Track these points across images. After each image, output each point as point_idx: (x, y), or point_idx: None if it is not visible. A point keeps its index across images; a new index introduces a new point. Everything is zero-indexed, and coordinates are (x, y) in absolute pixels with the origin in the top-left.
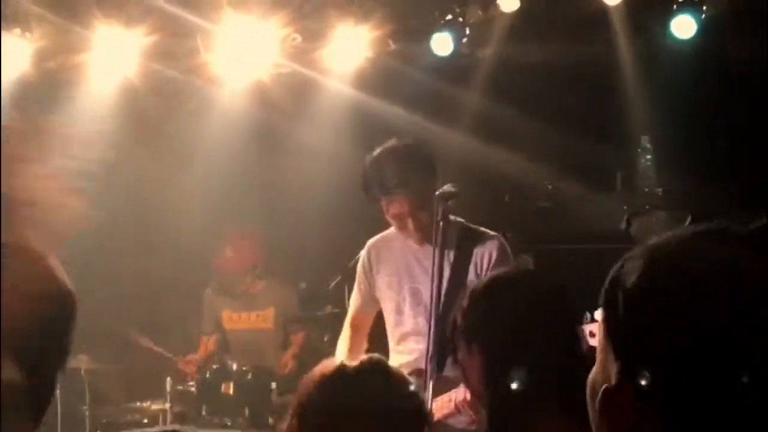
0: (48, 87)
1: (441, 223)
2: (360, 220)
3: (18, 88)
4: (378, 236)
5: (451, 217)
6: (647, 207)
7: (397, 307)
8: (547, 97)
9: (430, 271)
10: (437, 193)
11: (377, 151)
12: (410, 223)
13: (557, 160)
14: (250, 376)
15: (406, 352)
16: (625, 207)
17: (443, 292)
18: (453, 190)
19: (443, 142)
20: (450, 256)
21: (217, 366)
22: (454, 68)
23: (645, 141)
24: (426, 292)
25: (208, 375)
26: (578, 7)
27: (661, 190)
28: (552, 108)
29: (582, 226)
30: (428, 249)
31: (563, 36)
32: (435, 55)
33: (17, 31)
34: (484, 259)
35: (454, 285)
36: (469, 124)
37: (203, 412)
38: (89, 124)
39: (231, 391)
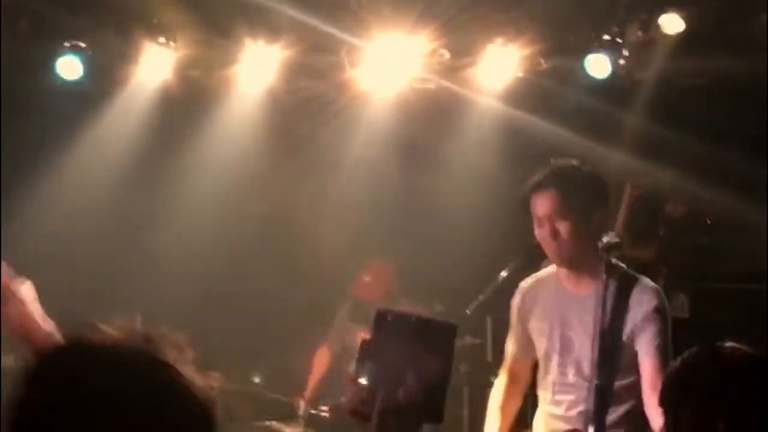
0: (191, 99)
1: (605, 277)
2: (505, 244)
3: (160, 97)
4: (532, 277)
5: (613, 260)
6: None
7: (546, 354)
8: (710, 120)
9: (584, 320)
10: (600, 244)
11: None
12: (547, 230)
13: (719, 189)
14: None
15: (553, 404)
16: None
17: (599, 345)
18: (616, 240)
19: (600, 164)
20: (609, 304)
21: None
22: (611, 89)
23: None
24: (578, 341)
25: (343, 400)
26: (746, 26)
27: None
28: (715, 132)
29: (742, 264)
30: (585, 297)
31: (728, 56)
32: (590, 76)
33: (162, 39)
34: (640, 311)
35: (611, 338)
36: (627, 146)
37: None
38: (231, 140)
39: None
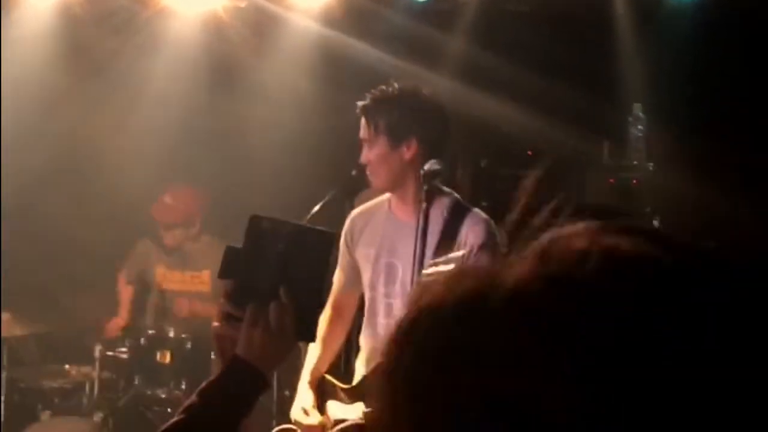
0: None
1: (425, 205)
2: (322, 174)
3: None
4: (363, 205)
5: (446, 189)
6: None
7: (370, 282)
8: (533, 50)
9: (409, 248)
10: (422, 171)
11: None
12: (364, 154)
13: (542, 120)
14: (189, 345)
15: (372, 334)
16: (611, 181)
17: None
18: (438, 168)
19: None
20: (435, 233)
21: (153, 332)
22: (433, 12)
23: (637, 109)
24: (402, 269)
25: (142, 341)
26: None
27: (651, 165)
28: (538, 63)
29: (563, 200)
30: (410, 223)
31: None
32: None
33: None
34: (467, 244)
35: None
36: (449, 72)
37: (135, 382)
38: (18, 58)
39: (167, 360)
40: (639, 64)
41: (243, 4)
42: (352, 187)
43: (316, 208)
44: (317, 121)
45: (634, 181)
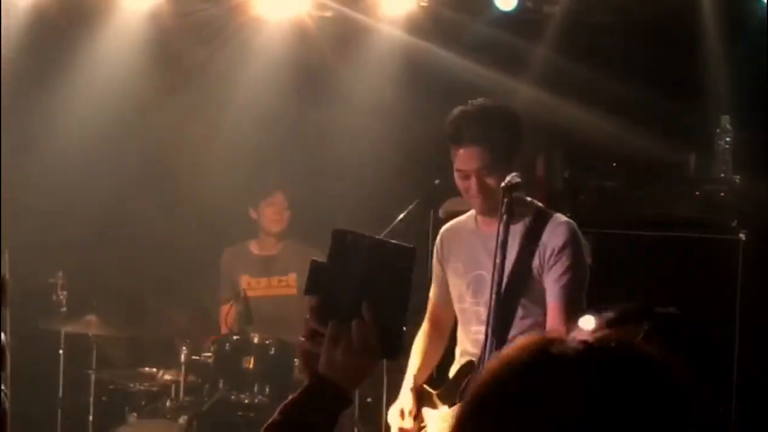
0: (67, 18)
1: (505, 216)
2: (406, 182)
3: (33, 16)
4: (451, 222)
5: (528, 198)
6: None
7: (460, 295)
8: (618, 60)
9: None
10: (502, 184)
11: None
12: (474, 184)
13: (627, 131)
14: (272, 350)
15: (468, 342)
16: (697, 193)
17: (505, 279)
18: (518, 180)
19: (507, 97)
20: (517, 241)
21: (238, 338)
22: (518, 21)
23: (725, 121)
24: (488, 279)
25: (227, 347)
26: None
27: (738, 177)
28: (623, 74)
29: (648, 212)
30: (493, 235)
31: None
32: (497, 8)
33: None
34: (548, 246)
35: (518, 271)
36: (534, 82)
37: (220, 386)
38: (111, 68)
39: (251, 366)
40: (727, 75)
41: (329, 14)
42: (436, 196)
43: (400, 216)
44: (402, 130)
45: (721, 194)
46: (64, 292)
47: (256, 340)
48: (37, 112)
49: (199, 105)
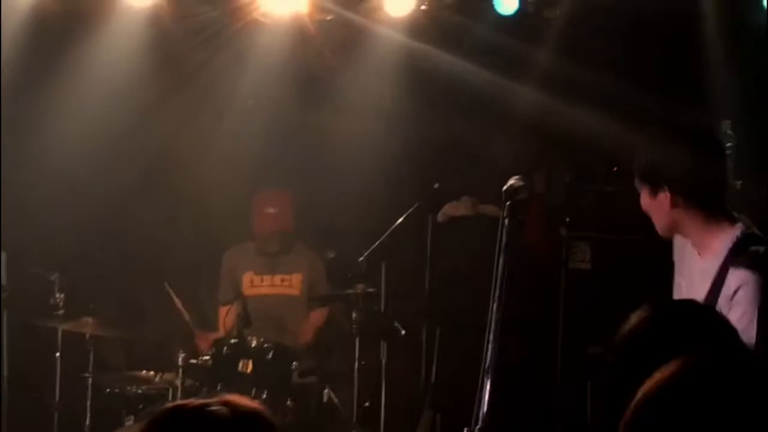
0: (67, 19)
1: (507, 221)
2: (406, 187)
3: (32, 16)
4: None
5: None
6: None
7: None
8: (619, 65)
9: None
10: (504, 189)
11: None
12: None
13: (628, 136)
14: (270, 354)
15: None
16: None
17: None
18: (521, 184)
19: (509, 100)
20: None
21: (236, 341)
22: (520, 25)
23: (726, 126)
24: None
25: (225, 350)
26: None
27: (740, 182)
28: (624, 79)
29: (648, 217)
30: (710, 262)
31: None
32: (497, 12)
33: None
34: (730, 290)
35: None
36: (534, 85)
37: (218, 390)
38: (111, 68)
39: (249, 370)
40: (728, 80)
41: (330, 17)
42: (435, 200)
43: (399, 220)
44: (402, 133)
45: None
46: (62, 294)
47: (254, 344)
48: (36, 113)
49: (200, 108)
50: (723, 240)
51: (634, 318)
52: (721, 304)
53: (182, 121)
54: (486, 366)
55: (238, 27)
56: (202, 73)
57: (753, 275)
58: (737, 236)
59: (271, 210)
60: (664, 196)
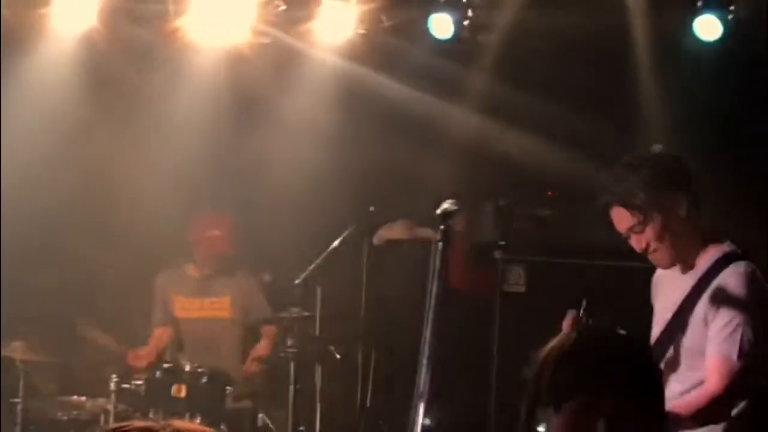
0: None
1: (441, 244)
2: (339, 210)
3: None
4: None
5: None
6: None
7: None
8: (552, 88)
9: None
10: (437, 212)
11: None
12: (637, 246)
13: (562, 159)
14: (204, 379)
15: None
16: None
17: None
18: (454, 208)
19: (445, 124)
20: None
21: (169, 365)
22: (456, 49)
23: (657, 149)
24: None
25: (158, 374)
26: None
27: None
28: (557, 102)
29: (580, 239)
30: (692, 275)
31: (574, 26)
32: (434, 37)
33: None
34: (717, 296)
35: (680, 314)
36: (470, 108)
37: (151, 415)
38: (42, 92)
39: (183, 394)
40: (659, 104)
41: (267, 40)
42: (371, 223)
43: (335, 243)
44: (339, 157)
45: None
46: None
47: (188, 368)
48: None
49: (134, 130)
50: (710, 254)
51: (555, 340)
52: (700, 313)
53: (116, 144)
54: (419, 390)
55: (173, 50)
56: (137, 95)
57: (737, 287)
58: (725, 251)
59: (215, 232)
60: (657, 218)
